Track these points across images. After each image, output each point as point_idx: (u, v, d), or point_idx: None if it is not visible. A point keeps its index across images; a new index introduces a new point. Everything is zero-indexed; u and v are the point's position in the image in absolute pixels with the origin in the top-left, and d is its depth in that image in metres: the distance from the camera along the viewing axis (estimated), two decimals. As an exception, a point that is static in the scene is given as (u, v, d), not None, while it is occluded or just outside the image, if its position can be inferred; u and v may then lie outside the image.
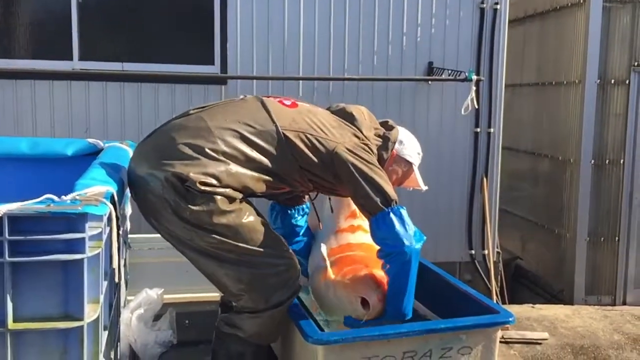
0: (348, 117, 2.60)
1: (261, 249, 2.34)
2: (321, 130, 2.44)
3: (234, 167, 2.31)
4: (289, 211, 2.87)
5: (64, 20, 4.43)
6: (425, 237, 2.45)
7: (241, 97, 2.59)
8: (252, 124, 2.37)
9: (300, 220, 2.91)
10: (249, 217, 2.35)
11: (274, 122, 2.39)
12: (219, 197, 2.26)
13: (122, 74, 4.51)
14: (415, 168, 2.72)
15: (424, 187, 2.75)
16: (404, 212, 2.39)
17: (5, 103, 4.40)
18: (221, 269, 2.33)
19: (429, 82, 5.06)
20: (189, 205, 2.23)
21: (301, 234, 2.92)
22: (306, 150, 2.39)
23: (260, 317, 2.35)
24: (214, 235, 2.27)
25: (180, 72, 4.60)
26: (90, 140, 2.97)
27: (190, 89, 4.60)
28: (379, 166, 2.48)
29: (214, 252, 2.31)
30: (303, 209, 2.90)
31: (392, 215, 2.36)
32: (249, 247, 2.32)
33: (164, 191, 2.25)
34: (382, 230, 2.38)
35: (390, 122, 2.75)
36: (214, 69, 4.67)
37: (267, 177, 2.38)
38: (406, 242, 2.34)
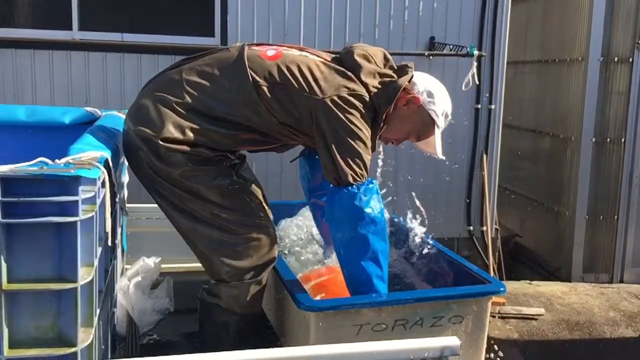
0: (347, 61, 2.34)
1: (233, 214, 2.28)
2: (301, 84, 2.24)
3: (203, 124, 2.24)
4: (316, 156, 2.71)
5: (63, -11, 4.41)
6: (381, 220, 2.23)
7: (230, 47, 2.46)
8: (225, 79, 2.27)
9: None
10: (221, 179, 2.27)
11: (248, 76, 2.25)
12: (186, 156, 2.23)
13: (122, 45, 4.50)
14: (438, 131, 2.40)
15: (442, 156, 2.43)
16: (354, 193, 2.19)
17: (5, 73, 4.39)
18: (192, 225, 2.30)
19: (430, 57, 5.03)
20: (158, 161, 2.23)
21: None
22: (280, 106, 2.26)
23: (236, 287, 2.33)
24: (183, 193, 2.26)
25: (180, 44, 4.58)
26: (88, 108, 2.96)
27: (190, 61, 4.59)
28: (360, 131, 2.22)
29: (186, 208, 2.29)
30: None
31: (340, 195, 2.22)
32: (219, 210, 2.27)
33: (138, 145, 2.26)
34: (328, 205, 2.31)
35: (410, 65, 2.37)
36: (214, 41, 4.65)
37: (243, 133, 2.30)
38: (348, 228, 2.21)
